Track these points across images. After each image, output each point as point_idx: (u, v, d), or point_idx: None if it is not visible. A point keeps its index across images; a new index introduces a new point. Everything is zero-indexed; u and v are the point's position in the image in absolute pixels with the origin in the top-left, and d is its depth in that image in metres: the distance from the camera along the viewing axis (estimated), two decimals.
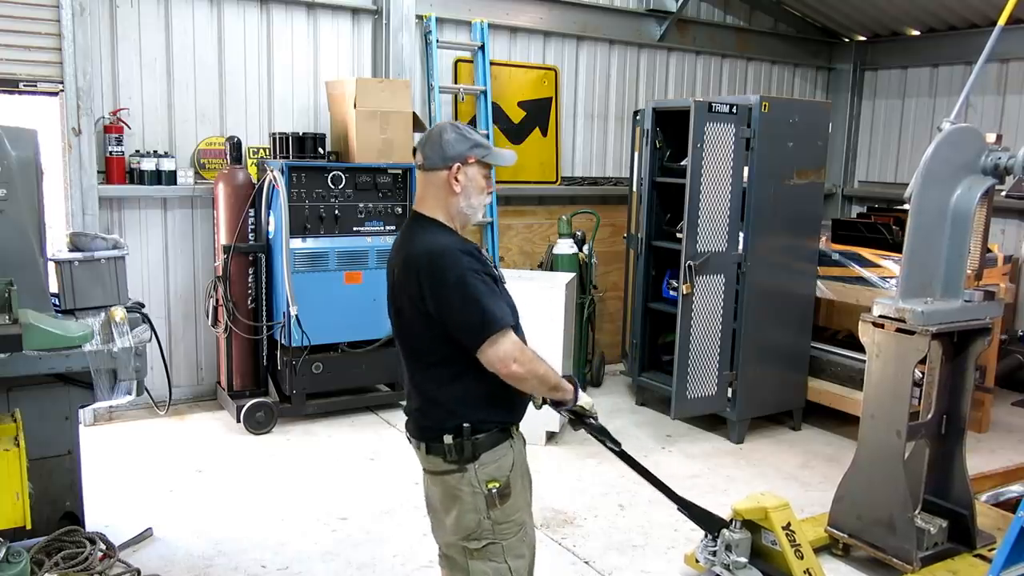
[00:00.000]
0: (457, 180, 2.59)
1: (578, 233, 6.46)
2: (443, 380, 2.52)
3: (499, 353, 2.39)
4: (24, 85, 5.04)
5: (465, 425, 2.48)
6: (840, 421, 5.75)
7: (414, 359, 2.59)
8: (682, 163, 5.48)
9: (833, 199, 8.57)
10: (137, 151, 5.53)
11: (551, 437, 5.43)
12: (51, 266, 3.73)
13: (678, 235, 5.42)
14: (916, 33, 8.04)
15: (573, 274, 5.82)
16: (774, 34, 8.26)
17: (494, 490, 2.51)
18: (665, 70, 7.75)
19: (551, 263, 6.32)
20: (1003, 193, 3.82)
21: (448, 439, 2.49)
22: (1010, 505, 4.33)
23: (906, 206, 6.33)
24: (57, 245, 4.21)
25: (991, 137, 3.85)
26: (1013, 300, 6.57)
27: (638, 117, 6.20)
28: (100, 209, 5.35)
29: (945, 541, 3.89)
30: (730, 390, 5.50)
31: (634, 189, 6.29)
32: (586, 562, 3.92)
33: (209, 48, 5.73)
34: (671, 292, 5.87)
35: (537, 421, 5.31)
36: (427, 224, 2.63)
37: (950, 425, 3.98)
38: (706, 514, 3.51)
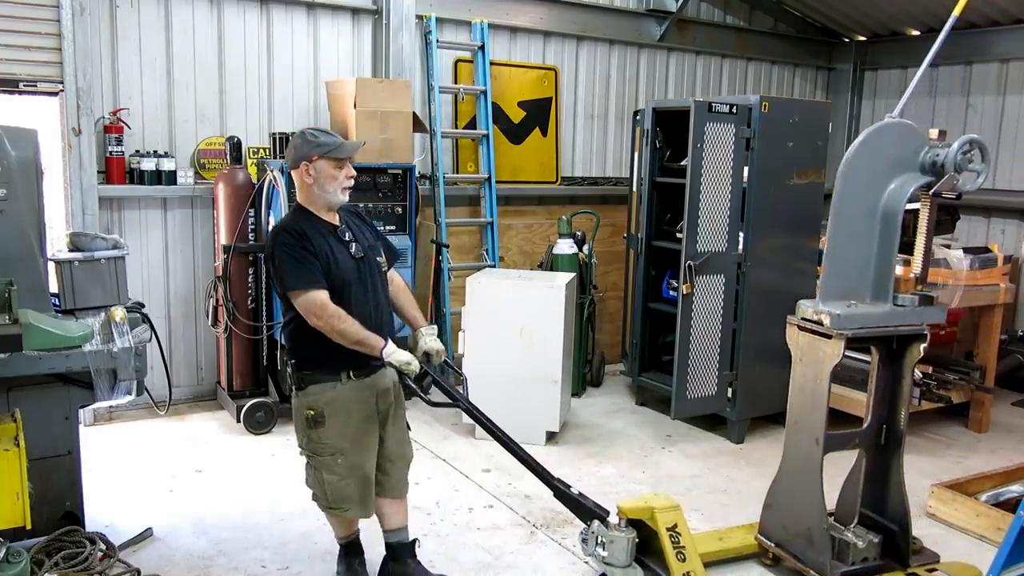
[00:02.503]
0: (309, 175, 3.24)
1: (578, 233, 6.46)
2: (286, 325, 3.33)
3: (301, 309, 3.15)
4: (24, 85, 5.04)
5: (293, 361, 3.31)
6: (840, 421, 5.73)
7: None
8: (682, 163, 5.48)
9: None
10: (137, 151, 5.53)
11: (551, 437, 5.43)
12: (51, 266, 3.73)
13: (678, 235, 5.42)
14: (916, 33, 8.04)
15: (573, 274, 5.82)
16: (774, 34, 8.26)
17: (309, 416, 3.25)
18: (665, 70, 7.75)
19: (551, 263, 6.32)
20: (931, 192, 3.61)
21: (288, 369, 3.35)
22: (1010, 505, 4.33)
23: (907, 206, 6.38)
24: (57, 245, 4.21)
25: (935, 133, 3.62)
26: (1013, 300, 6.57)
27: (638, 117, 6.20)
28: (100, 209, 5.35)
29: (878, 557, 3.73)
30: (730, 390, 5.50)
31: (634, 189, 6.29)
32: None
33: (209, 48, 5.73)
34: (671, 292, 5.87)
35: (537, 421, 5.32)
36: (294, 208, 3.38)
37: (889, 435, 3.81)
38: (579, 503, 3.45)
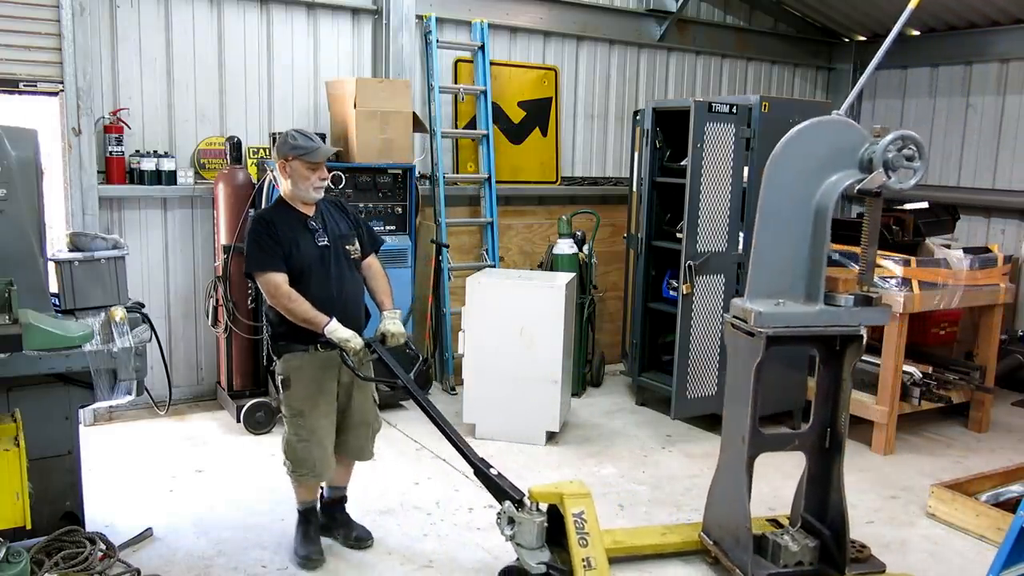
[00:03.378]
0: (285, 171, 3.67)
1: (578, 233, 6.46)
2: (266, 302, 3.71)
3: (261, 288, 3.66)
4: (24, 85, 5.04)
5: (271, 332, 3.79)
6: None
7: None
8: (682, 163, 5.48)
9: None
10: (137, 151, 5.53)
11: (551, 437, 5.43)
12: (51, 266, 3.73)
13: (678, 235, 5.42)
14: (916, 33, 8.04)
15: (573, 274, 5.82)
16: (774, 34, 8.26)
17: (279, 380, 3.75)
18: (665, 70, 7.75)
19: (551, 263, 6.32)
20: (856, 189, 3.50)
21: (268, 339, 3.97)
22: (1010, 505, 4.33)
23: (907, 206, 6.39)
24: (57, 245, 4.21)
25: (878, 129, 3.53)
26: (1013, 300, 6.57)
27: (638, 117, 6.20)
28: (100, 209, 5.35)
29: (815, 562, 3.66)
30: None
31: (634, 189, 6.29)
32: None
33: (209, 48, 5.73)
34: (671, 292, 5.87)
35: (537, 421, 5.32)
36: (276, 199, 3.82)
37: (833, 439, 3.74)
38: (496, 485, 3.55)
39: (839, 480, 3.71)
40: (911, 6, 3.62)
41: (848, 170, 3.51)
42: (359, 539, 3.98)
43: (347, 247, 3.79)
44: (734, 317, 3.64)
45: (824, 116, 3.54)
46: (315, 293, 3.61)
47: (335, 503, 4.08)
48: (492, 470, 3.58)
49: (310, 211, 3.73)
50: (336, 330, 3.57)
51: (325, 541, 3.96)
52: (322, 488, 4.03)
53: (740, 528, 3.63)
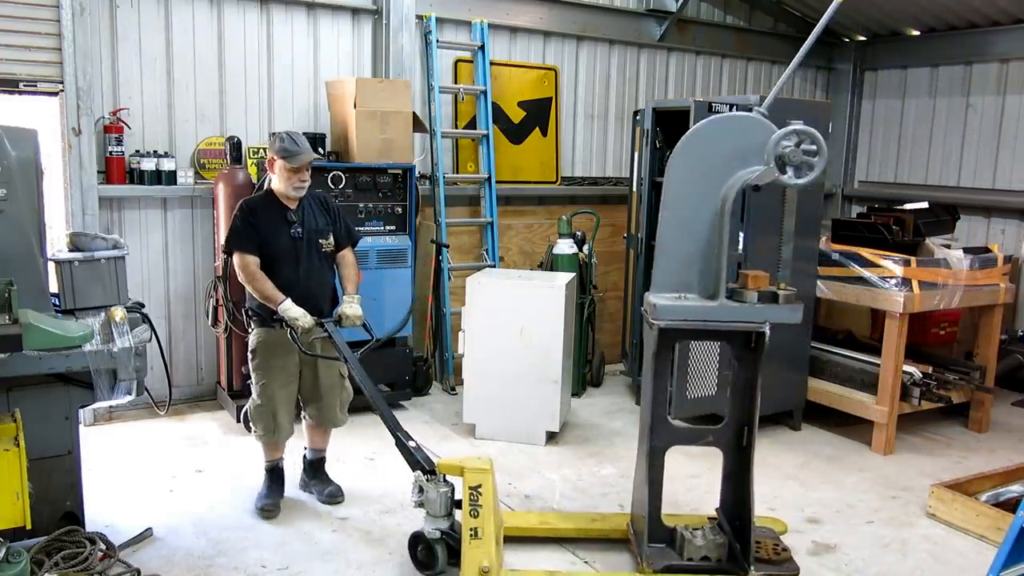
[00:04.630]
0: (272, 168, 4.14)
1: (578, 233, 6.46)
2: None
3: (234, 265, 4.11)
4: (24, 85, 5.04)
5: (245, 307, 4.27)
6: (840, 421, 5.75)
7: None
8: None
9: (833, 199, 8.57)
10: (137, 151, 5.53)
11: (551, 437, 5.43)
12: (51, 266, 3.73)
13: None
14: (916, 33, 8.04)
15: (573, 274, 5.81)
16: (774, 34, 8.26)
17: (248, 348, 4.24)
18: (665, 70, 7.75)
19: (551, 263, 6.32)
20: (746, 184, 3.49)
21: (244, 314, 4.32)
22: (1010, 505, 4.33)
23: (907, 206, 6.39)
24: (57, 245, 4.21)
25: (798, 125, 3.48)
26: (1013, 300, 6.57)
27: (638, 117, 6.20)
28: (100, 209, 5.35)
29: (723, 558, 3.66)
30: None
31: (634, 189, 6.29)
32: (585, 562, 3.92)
33: (209, 48, 5.73)
34: None
35: (537, 421, 5.32)
36: (266, 189, 4.27)
37: (749, 437, 3.70)
38: (412, 455, 3.78)
39: (748, 478, 3.69)
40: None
41: (758, 166, 3.45)
42: (332, 495, 4.42)
43: (320, 240, 4.23)
44: (643, 309, 3.68)
45: (732, 113, 3.53)
46: (282, 275, 4.09)
47: (316, 463, 4.55)
48: (411, 442, 3.83)
49: (292, 204, 4.17)
50: (288, 309, 4.00)
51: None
52: (305, 450, 4.56)
53: (638, 519, 3.72)
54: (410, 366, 6.06)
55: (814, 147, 3.33)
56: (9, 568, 3.00)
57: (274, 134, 5.15)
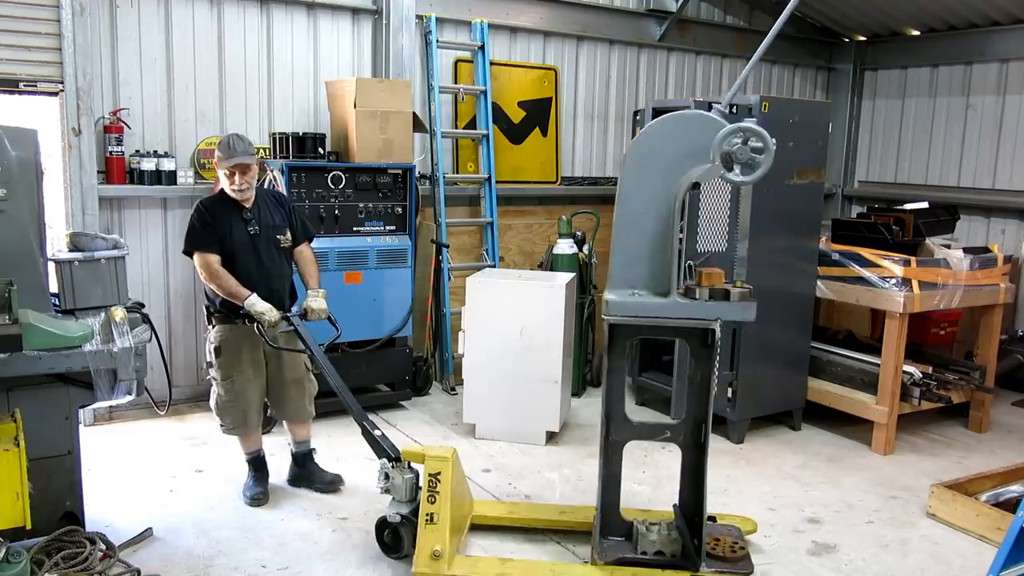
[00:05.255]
0: (216, 168, 4.27)
1: (578, 233, 6.46)
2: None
3: (196, 265, 4.20)
4: (24, 85, 5.04)
5: (207, 305, 4.34)
6: (840, 421, 5.75)
7: None
8: None
9: (833, 199, 8.57)
10: (137, 151, 5.53)
11: (551, 437, 5.43)
12: (51, 266, 3.74)
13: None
14: (916, 33, 8.04)
15: (573, 274, 5.81)
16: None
17: (211, 346, 4.30)
18: (665, 70, 7.75)
19: (551, 263, 6.32)
20: (691, 181, 3.51)
21: (206, 310, 4.38)
22: (1010, 505, 4.33)
23: (907, 206, 6.39)
24: (57, 245, 4.22)
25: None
26: (1013, 300, 6.57)
27: (638, 117, 6.20)
28: (100, 209, 5.35)
29: (678, 554, 3.65)
30: (730, 390, 5.49)
31: None
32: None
33: (209, 48, 5.73)
34: None
35: (537, 421, 5.32)
36: (219, 191, 4.34)
37: (705, 434, 3.67)
38: (378, 444, 3.94)
39: (701, 475, 3.69)
40: None
41: (709, 166, 3.44)
42: (331, 483, 4.55)
43: (278, 236, 4.34)
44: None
45: (686, 111, 3.53)
46: (243, 272, 4.19)
47: (302, 456, 4.65)
48: (376, 431, 3.99)
49: (247, 202, 4.27)
50: (254, 304, 4.10)
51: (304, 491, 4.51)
52: (290, 445, 4.67)
53: (596, 511, 3.78)
54: (410, 366, 6.06)
55: (760, 145, 3.31)
56: (9, 568, 3.00)
57: (278, 135, 5.48)
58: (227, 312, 4.23)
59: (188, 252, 4.24)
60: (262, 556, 3.88)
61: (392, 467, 3.85)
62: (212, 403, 4.41)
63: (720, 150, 3.32)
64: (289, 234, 4.40)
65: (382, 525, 3.84)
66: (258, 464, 4.53)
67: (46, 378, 3.57)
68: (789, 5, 3.60)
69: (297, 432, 4.63)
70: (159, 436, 5.31)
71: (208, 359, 4.40)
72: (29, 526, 3.15)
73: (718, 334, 3.53)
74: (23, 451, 3.12)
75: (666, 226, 3.54)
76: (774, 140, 3.31)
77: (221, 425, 4.42)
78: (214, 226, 4.18)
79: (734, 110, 5.20)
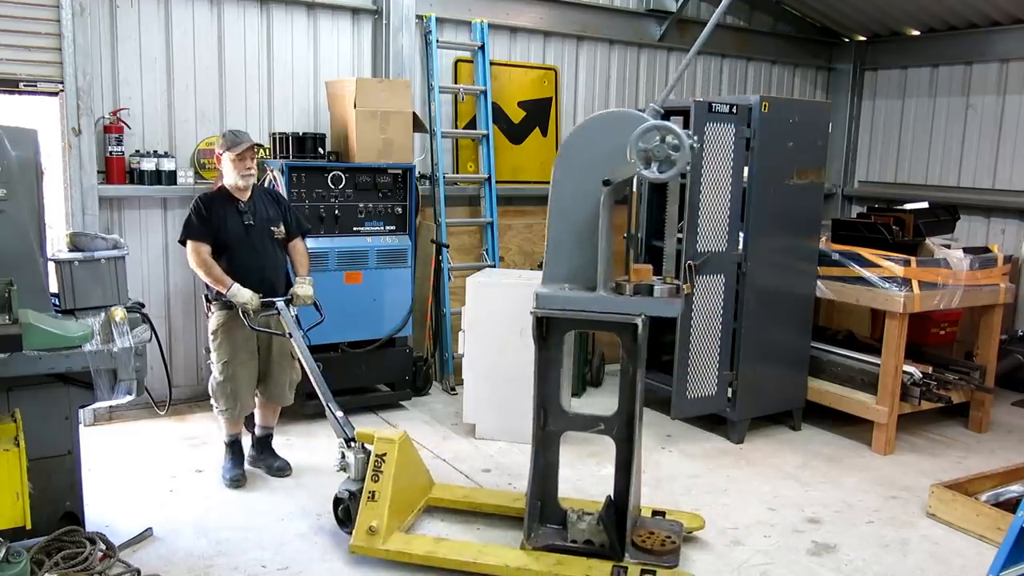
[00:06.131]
0: (220, 164, 4.51)
1: None
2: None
3: (188, 253, 4.43)
4: (24, 85, 5.04)
5: (204, 292, 4.61)
6: (840, 421, 5.75)
7: None
8: None
9: (833, 199, 8.57)
10: (137, 151, 5.53)
11: None
12: (51, 266, 3.74)
13: (678, 235, 5.41)
14: (916, 33, 8.04)
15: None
16: (774, 34, 8.26)
17: (210, 330, 4.57)
18: (665, 70, 7.75)
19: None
20: (608, 178, 3.62)
21: (205, 296, 4.63)
22: (1010, 505, 4.33)
23: (907, 206, 6.39)
24: (57, 245, 4.22)
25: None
26: (1013, 300, 6.57)
27: None
28: (100, 209, 5.35)
29: (607, 544, 3.74)
30: (730, 390, 5.49)
31: (634, 189, 6.26)
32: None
33: (209, 48, 5.73)
34: None
35: None
36: (218, 186, 4.59)
37: (636, 427, 3.77)
38: (337, 424, 4.18)
39: (627, 467, 3.80)
40: None
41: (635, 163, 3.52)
42: (280, 468, 4.79)
43: (272, 228, 4.60)
44: None
45: (615, 110, 3.64)
46: (238, 261, 4.45)
47: (264, 439, 4.90)
48: (338, 413, 4.21)
49: (244, 197, 4.53)
50: (236, 294, 4.34)
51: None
52: (254, 428, 4.88)
53: (527, 499, 3.87)
54: (410, 366, 6.06)
55: (677, 142, 3.39)
56: (9, 568, 3.00)
57: (278, 135, 5.65)
58: (225, 300, 4.45)
59: (182, 241, 4.48)
60: (262, 556, 3.88)
61: (348, 447, 4.07)
62: (210, 386, 4.63)
63: (637, 148, 3.41)
64: (283, 227, 4.65)
65: (337, 501, 4.06)
66: (236, 448, 4.76)
67: (46, 378, 3.57)
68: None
69: (268, 417, 4.88)
70: (159, 436, 5.31)
71: (208, 344, 4.67)
72: (29, 526, 3.15)
73: (640, 329, 3.59)
74: (23, 451, 3.12)
75: (592, 222, 3.62)
76: (696, 138, 3.44)
77: (215, 406, 4.64)
78: (209, 220, 4.42)
79: (734, 110, 5.20)
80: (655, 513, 4.15)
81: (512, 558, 3.72)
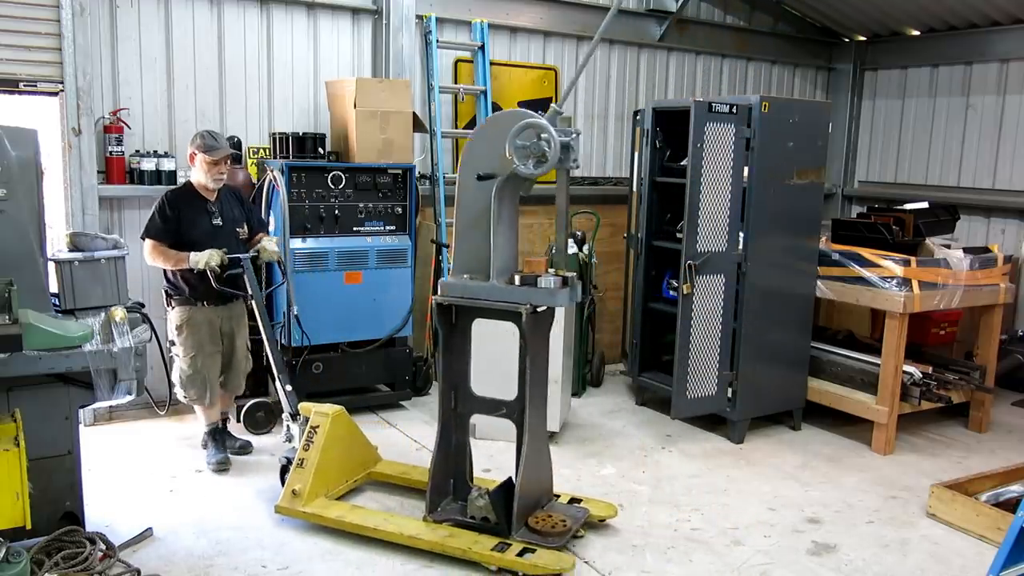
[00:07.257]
0: (193, 162, 4.67)
1: (578, 233, 6.46)
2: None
3: (144, 248, 4.63)
4: (24, 85, 5.04)
5: (167, 287, 4.77)
6: (840, 421, 5.75)
7: None
8: (682, 163, 5.48)
9: (833, 199, 8.57)
10: (137, 151, 5.53)
11: (551, 437, 5.41)
12: (51, 266, 3.74)
13: (678, 235, 5.42)
14: (916, 33, 8.04)
15: (573, 274, 5.80)
16: (774, 34, 8.26)
17: (174, 325, 4.76)
18: (665, 70, 7.75)
19: (551, 263, 6.31)
20: (479, 174, 3.88)
21: (165, 292, 4.81)
22: (1010, 505, 4.33)
23: (907, 206, 6.39)
24: (57, 245, 4.22)
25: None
26: (1013, 300, 6.57)
27: (638, 117, 6.20)
28: (100, 209, 5.35)
29: (503, 521, 3.93)
30: (730, 390, 5.49)
31: (634, 189, 6.29)
32: (586, 562, 3.93)
33: (209, 48, 5.73)
34: (671, 292, 5.87)
35: None
36: (185, 182, 4.83)
37: (528, 413, 3.98)
38: (286, 397, 4.49)
39: (522, 450, 4.00)
40: None
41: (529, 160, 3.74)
42: (242, 447, 5.08)
43: (237, 228, 4.82)
44: None
45: (513, 110, 3.90)
46: None
47: (223, 423, 5.11)
48: (288, 387, 4.52)
49: (211, 196, 4.72)
50: (198, 261, 4.50)
51: None
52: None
53: (430, 474, 4.10)
54: (410, 366, 6.06)
55: (549, 139, 3.63)
56: (9, 568, 3.00)
57: (278, 135, 5.66)
58: (182, 294, 4.69)
59: (143, 238, 4.64)
60: (262, 556, 3.88)
61: (293, 420, 4.43)
62: (175, 377, 4.80)
63: (514, 144, 3.68)
64: (246, 227, 4.89)
65: (283, 469, 4.39)
66: (217, 435, 4.95)
67: (46, 378, 3.57)
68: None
69: (226, 403, 5.13)
70: (159, 436, 5.31)
71: (170, 338, 4.82)
72: (29, 526, 3.15)
73: (524, 318, 3.80)
74: (23, 451, 3.12)
75: (486, 216, 3.84)
76: (574, 135, 3.72)
77: (185, 396, 4.82)
78: (176, 220, 4.61)
79: (734, 110, 5.21)
80: (572, 500, 4.33)
81: (410, 528, 3.96)
